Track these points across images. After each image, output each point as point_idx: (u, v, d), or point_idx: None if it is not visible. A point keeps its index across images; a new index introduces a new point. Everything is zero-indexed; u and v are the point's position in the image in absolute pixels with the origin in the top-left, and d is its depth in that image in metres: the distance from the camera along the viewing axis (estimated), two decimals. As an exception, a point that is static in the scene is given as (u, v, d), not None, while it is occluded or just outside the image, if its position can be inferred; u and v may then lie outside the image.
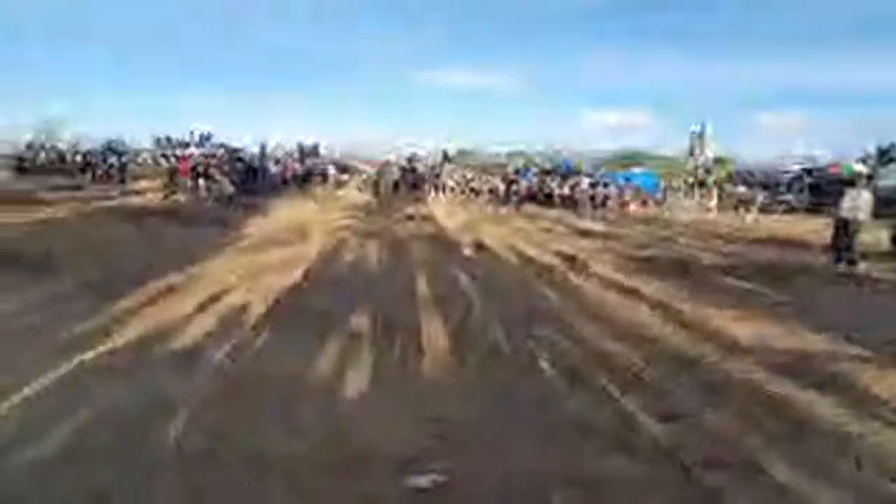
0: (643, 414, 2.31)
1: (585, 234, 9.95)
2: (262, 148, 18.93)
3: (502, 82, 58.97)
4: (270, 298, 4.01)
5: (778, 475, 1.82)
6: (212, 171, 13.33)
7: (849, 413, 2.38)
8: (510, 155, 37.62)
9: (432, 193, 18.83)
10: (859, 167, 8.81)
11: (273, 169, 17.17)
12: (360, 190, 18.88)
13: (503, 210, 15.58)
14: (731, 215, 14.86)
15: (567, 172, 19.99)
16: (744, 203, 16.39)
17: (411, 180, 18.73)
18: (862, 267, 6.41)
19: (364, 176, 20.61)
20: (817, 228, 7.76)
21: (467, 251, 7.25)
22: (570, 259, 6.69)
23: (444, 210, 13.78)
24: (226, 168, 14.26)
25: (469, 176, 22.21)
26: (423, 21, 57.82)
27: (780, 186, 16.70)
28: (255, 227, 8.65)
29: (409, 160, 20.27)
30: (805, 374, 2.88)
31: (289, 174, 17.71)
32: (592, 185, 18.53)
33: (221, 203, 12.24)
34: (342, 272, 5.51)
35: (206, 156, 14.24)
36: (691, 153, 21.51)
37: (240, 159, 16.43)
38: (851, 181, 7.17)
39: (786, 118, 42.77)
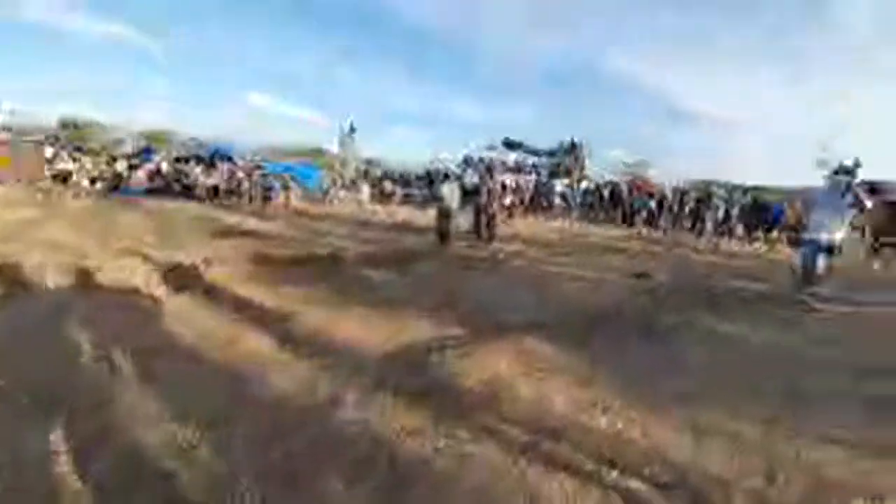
0: None
1: (227, 233, 8.26)
2: None
3: (138, 37, 43.04)
4: None
5: None
6: None
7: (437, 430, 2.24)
8: (145, 135, 29.69)
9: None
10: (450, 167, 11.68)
11: None
12: None
13: (104, 202, 11.37)
14: (381, 207, 16.84)
15: (215, 160, 16.82)
16: (387, 197, 19.21)
17: None
18: (455, 245, 8.14)
19: None
20: (431, 216, 9.49)
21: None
22: (183, 268, 5.04)
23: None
24: None
25: (63, 155, 15.32)
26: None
27: (412, 185, 20.72)
28: None
29: None
30: (409, 375, 2.73)
31: None
32: (248, 176, 16.50)
33: None
34: None
35: None
36: (343, 151, 23.07)
37: None
38: (446, 177, 9.13)
39: (419, 133, 59.60)
